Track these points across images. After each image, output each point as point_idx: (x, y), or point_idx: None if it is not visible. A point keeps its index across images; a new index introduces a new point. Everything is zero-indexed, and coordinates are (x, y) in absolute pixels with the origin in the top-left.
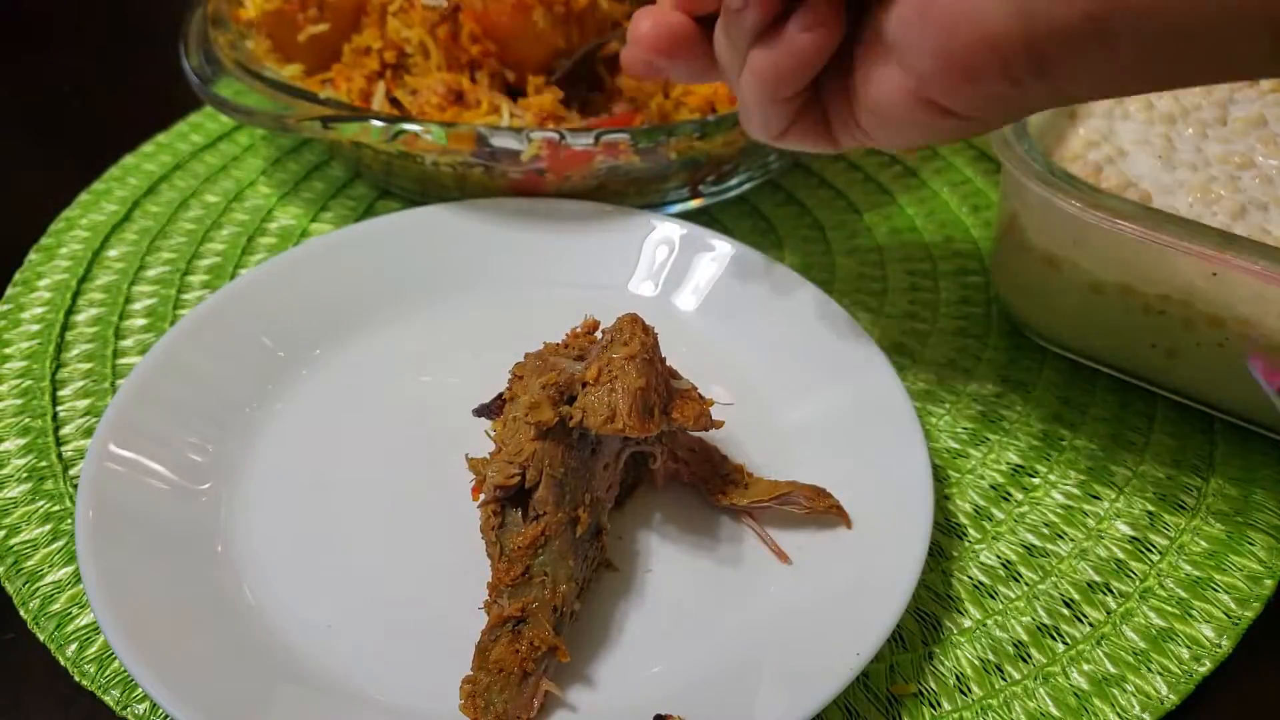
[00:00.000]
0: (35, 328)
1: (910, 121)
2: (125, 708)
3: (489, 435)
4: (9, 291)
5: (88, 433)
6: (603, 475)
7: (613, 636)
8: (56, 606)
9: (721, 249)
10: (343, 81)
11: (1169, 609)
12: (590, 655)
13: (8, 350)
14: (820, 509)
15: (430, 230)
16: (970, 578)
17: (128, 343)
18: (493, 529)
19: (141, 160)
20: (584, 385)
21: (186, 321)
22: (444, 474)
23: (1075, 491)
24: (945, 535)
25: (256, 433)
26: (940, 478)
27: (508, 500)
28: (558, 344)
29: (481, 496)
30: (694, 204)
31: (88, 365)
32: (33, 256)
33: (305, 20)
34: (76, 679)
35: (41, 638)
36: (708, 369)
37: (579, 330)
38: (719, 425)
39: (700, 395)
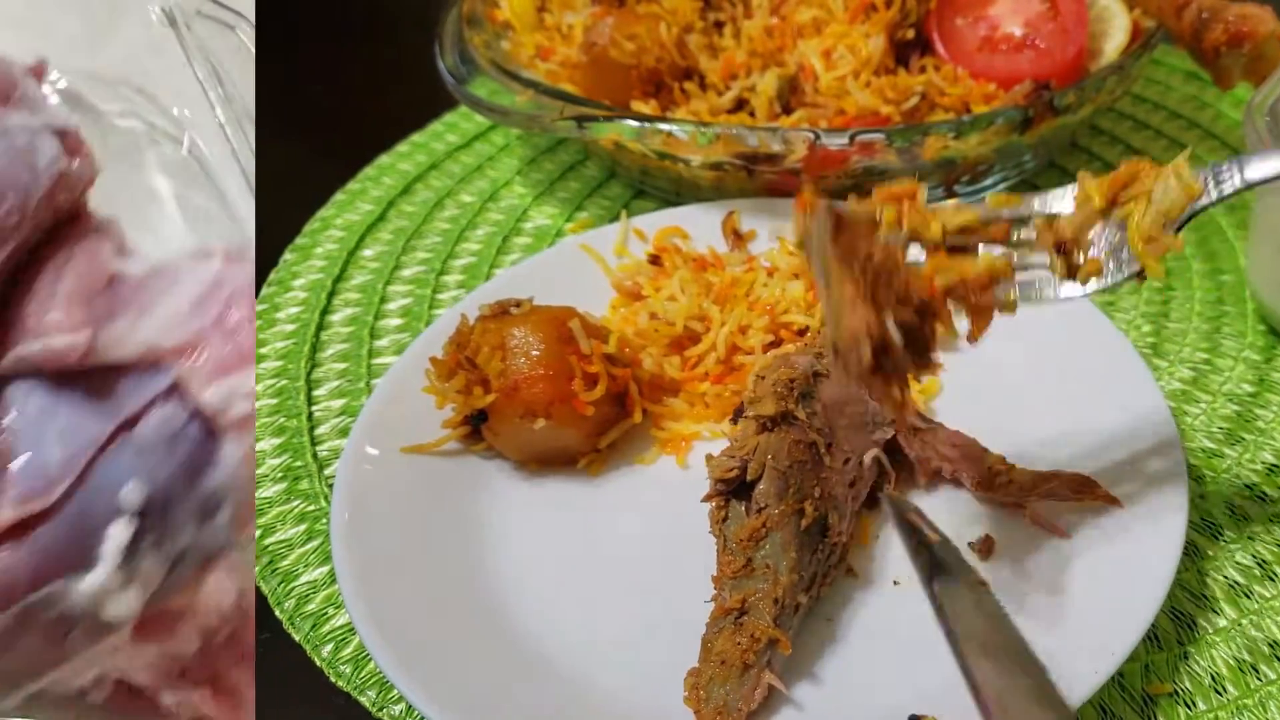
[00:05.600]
0: (290, 327)
1: None
2: (381, 709)
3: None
4: (264, 292)
5: (343, 433)
6: (841, 471)
7: (851, 639)
8: (312, 607)
9: None
10: None
11: None
12: (818, 653)
13: (263, 350)
14: (1087, 499)
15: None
16: (1225, 577)
17: (383, 342)
18: (718, 523)
19: (397, 160)
20: (816, 376)
21: (442, 321)
22: (685, 472)
23: None
24: (1200, 534)
25: None
26: (1195, 477)
27: (732, 494)
28: (803, 344)
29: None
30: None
31: (343, 365)
32: (288, 256)
33: (620, 55)
34: (332, 679)
35: (297, 638)
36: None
37: (819, 328)
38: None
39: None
